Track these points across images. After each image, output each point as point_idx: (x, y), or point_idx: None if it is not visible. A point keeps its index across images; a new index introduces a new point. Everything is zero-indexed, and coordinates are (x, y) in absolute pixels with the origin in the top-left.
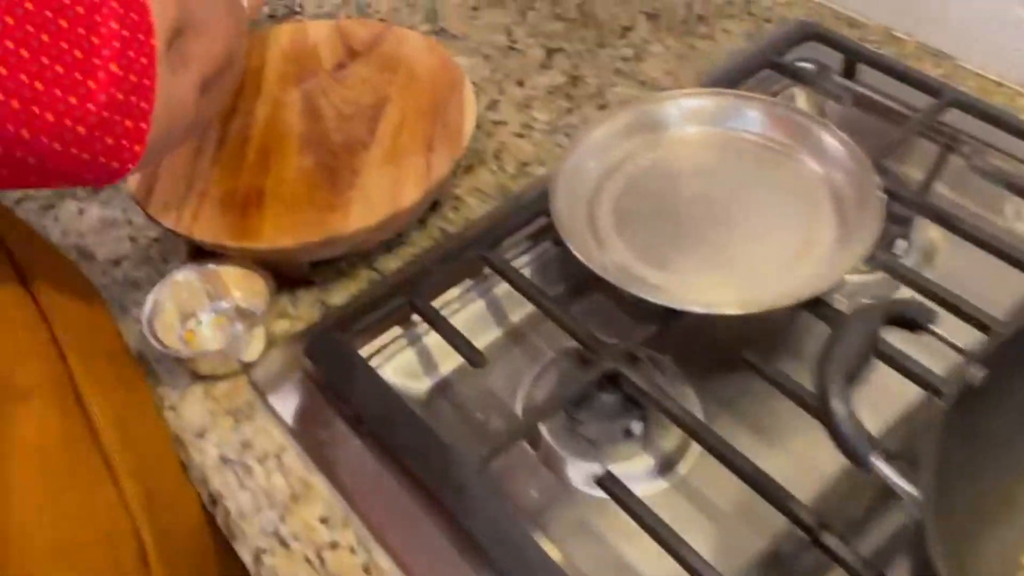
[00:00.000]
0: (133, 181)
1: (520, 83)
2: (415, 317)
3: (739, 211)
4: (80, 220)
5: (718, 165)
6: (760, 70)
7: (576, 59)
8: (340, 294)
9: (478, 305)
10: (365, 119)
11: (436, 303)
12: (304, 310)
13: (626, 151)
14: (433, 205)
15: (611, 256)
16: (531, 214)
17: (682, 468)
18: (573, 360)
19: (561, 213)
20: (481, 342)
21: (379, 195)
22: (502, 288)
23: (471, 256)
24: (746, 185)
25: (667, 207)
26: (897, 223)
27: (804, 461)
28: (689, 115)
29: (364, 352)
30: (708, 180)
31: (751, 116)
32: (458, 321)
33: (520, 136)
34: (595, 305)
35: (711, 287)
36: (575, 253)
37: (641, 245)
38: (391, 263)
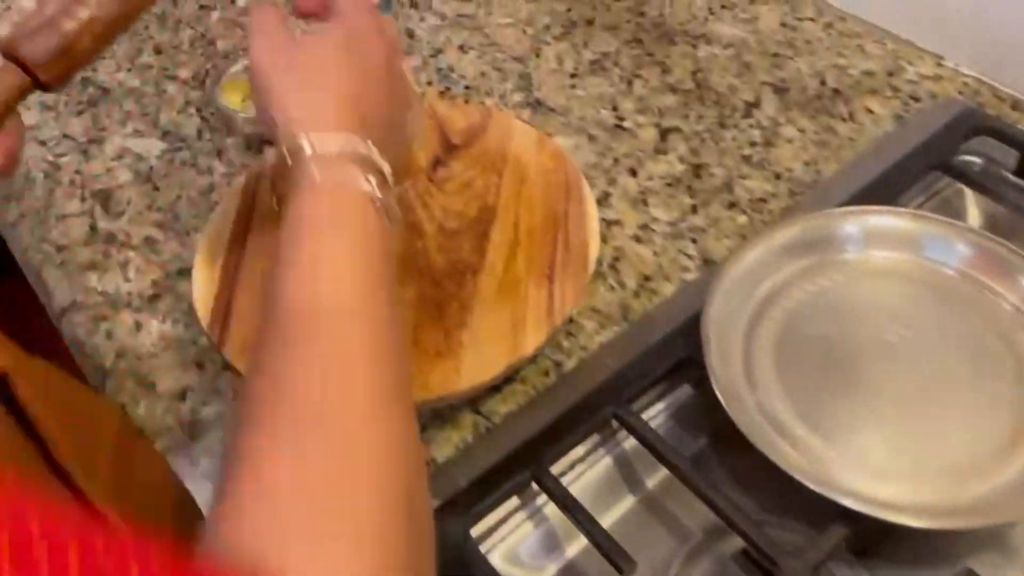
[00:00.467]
0: (203, 308)
1: (633, 172)
2: (534, 485)
3: (932, 369)
4: (136, 338)
5: (906, 304)
6: (926, 173)
7: (695, 141)
8: (442, 446)
9: (605, 464)
10: (471, 236)
11: (557, 466)
12: None
13: (788, 275)
14: None
15: (763, 400)
16: (671, 362)
17: None
18: (728, 546)
19: (715, 364)
20: (611, 515)
21: (495, 339)
22: (633, 443)
23: (600, 415)
24: (944, 335)
25: (838, 352)
26: None
27: None
28: (873, 237)
29: (474, 532)
30: (892, 322)
31: (954, 246)
32: (584, 486)
33: (638, 240)
34: (749, 460)
35: (891, 474)
36: (730, 414)
37: (803, 398)
38: (499, 405)
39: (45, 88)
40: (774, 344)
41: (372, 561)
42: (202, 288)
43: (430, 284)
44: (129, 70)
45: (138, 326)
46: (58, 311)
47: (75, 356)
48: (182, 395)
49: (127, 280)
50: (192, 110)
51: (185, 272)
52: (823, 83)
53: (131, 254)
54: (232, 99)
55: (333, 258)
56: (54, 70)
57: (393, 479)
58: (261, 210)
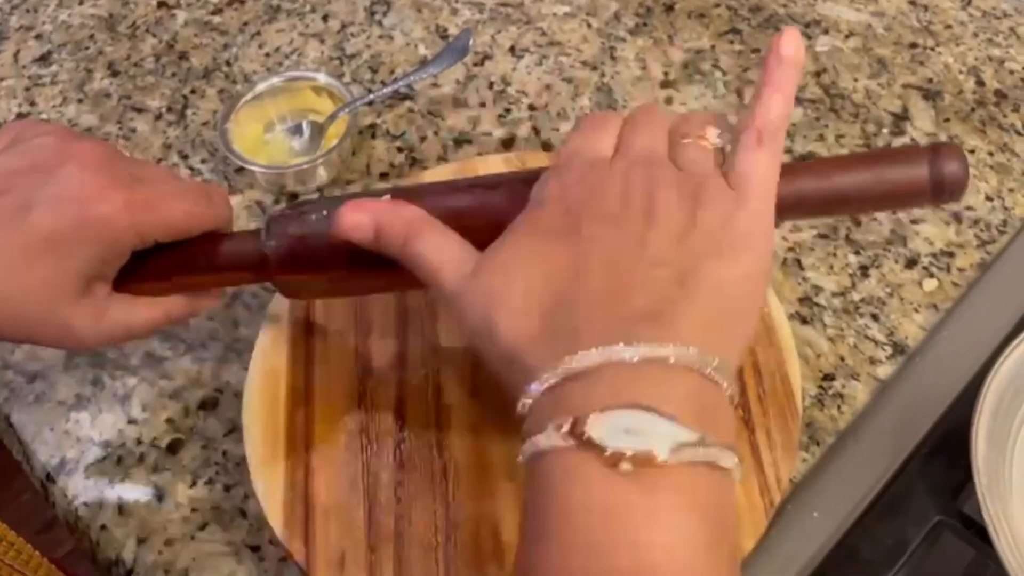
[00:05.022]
0: (272, 503)
1: None
2: None
3: None
4: (159, 512)
5: None
6: None
7: None
8: None
9: None
10: None
11: None
12: None
13: None
14: None
15: None
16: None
17: None
18: None
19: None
20: None
21: None
22: None
23: None
24: None
25: None
26: None
27: None
28: None
29: None
30: None
31: None
32: None
33: (804, 322)
34: None
35: None
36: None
37: None
38: None
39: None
40: None
41: None
42: (262, 469)
43: None
44: (80, 101)
45: (159, 495)
46: (42, 475)
47: (83, 545)
48: None
49: (131, 422)
50: (175, 156)
51: (210, 404)
52: (980, 83)
53: (131, 381)
54: (246, 142)
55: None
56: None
57: None
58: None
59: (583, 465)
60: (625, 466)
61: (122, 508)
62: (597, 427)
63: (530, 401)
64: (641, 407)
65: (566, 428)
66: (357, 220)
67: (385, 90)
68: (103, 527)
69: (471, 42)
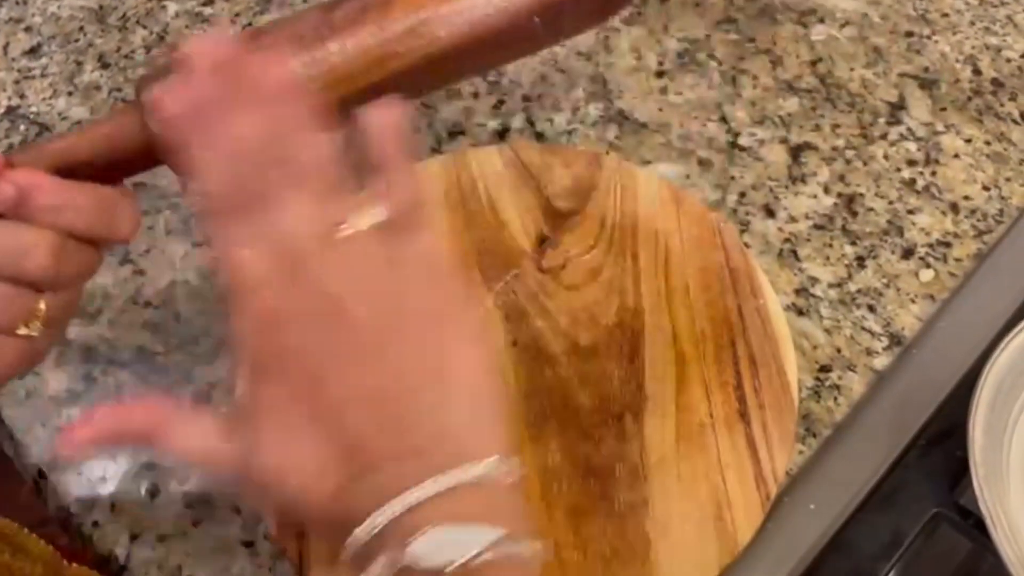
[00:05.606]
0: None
1: (769, 211)
2: None
3: None
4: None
5: None
6: None
7: (837, 160)
8: None
9: None
10: (616, 355)
11: None
12: None
13: None
14: None
15: None
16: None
17: None
18: None
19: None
20: None
21: (689, 528)
22: None
23: None
24: None
25: None
26: None
27: None
28: None
29: None
30: None
31: None
32: None
33: (800, 313)
34: None
35: None
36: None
37: None
38: None
39: None
40: None
41: None
42: None
43: (576, 437)
44: (70, 93)
45: (153, 491)
46: (34, 471)
47: (76, 541)
48: None
49: None
50: None
51: (203, 399)
52: (977, 71)
53: (123, 376)
54: None
55: None
56: None
57: None
58: None
59: None
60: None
61: (115, 504)
62: (418, 549)
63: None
64: (451, 523)
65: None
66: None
67: None
68: (96, 523)
69: None
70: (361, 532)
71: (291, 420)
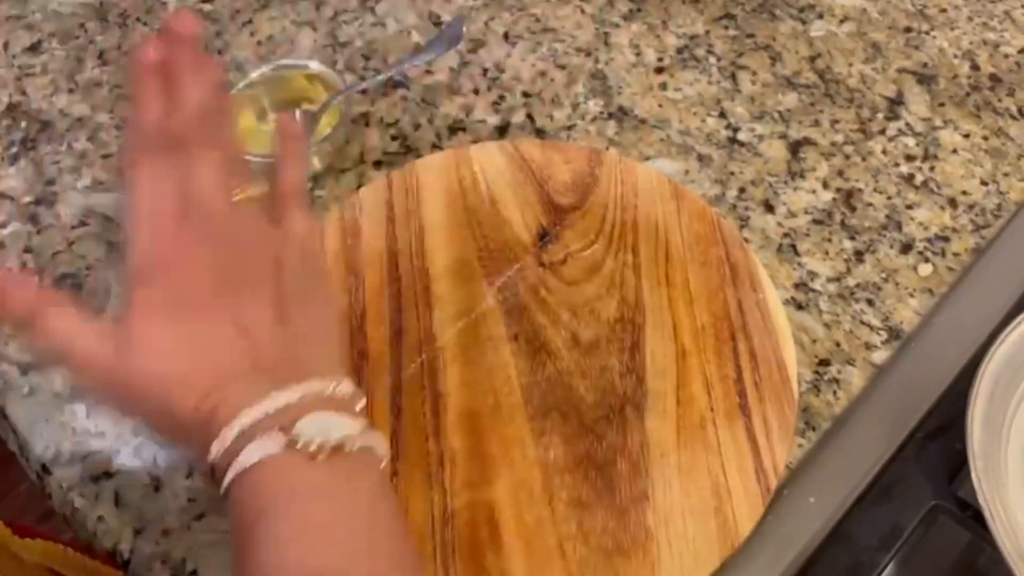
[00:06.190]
0: None
1: (768, 206)
2: None
3: None
4: (156, 501)
5: None
6: None
7: (836, 155)
8: None
9: None
10: (618, 349)
11: None
12: None
13: None
14: None
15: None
16: (912, 510)
17: None
18: None
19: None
20: None
21: (690, 520)
22: None
23: None
24: None
25: None
26: None
27: None
28: None
29: None
30: None
31: None
32: None
33: (800, 307)
34: None
35: None
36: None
37: None
38: None
39: None
40: None
41: None
42: None
43: (578, 431)
44: (71, 90)
45: (156, 485)
46: (38, 467)
47: (76, 531)
48: None
49: None
50: None
51: None
52: (975, 67)
53: None
54: (239, 131)
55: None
56: None
57: None
58: None
59: (292, 463)
60: (321, 457)
61: (119, 499)
62: (305, 427)
63: (228, 441)
64: (327, 410)
65: (278, 433)
66: None
67: (378, 78)
68: (100, 518)
69: (464, 29)
70: (231, 430)
71: (161, 325)
